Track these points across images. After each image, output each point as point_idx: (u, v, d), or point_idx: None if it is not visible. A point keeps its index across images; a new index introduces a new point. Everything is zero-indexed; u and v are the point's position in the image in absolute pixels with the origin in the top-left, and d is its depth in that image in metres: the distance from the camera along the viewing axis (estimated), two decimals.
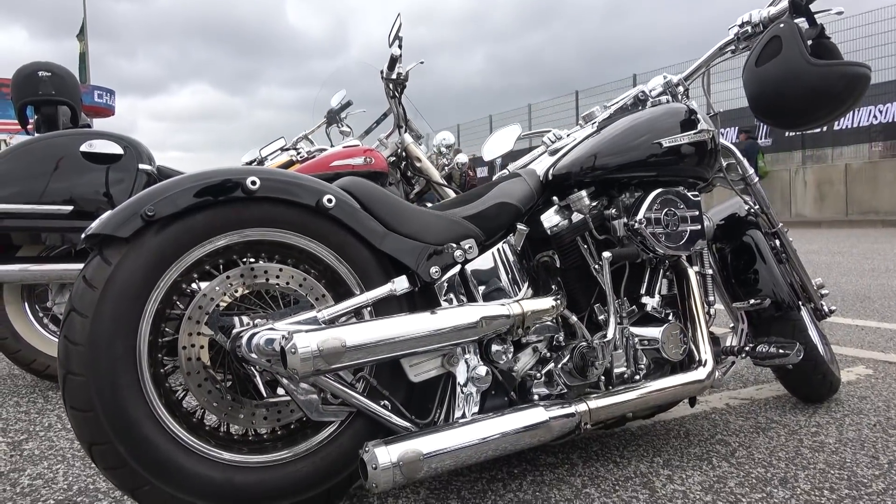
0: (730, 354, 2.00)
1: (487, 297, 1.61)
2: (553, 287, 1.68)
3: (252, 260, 1.41)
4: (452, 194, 3.41)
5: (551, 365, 1.65)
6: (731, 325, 2.24)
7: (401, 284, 1.48)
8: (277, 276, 1.43)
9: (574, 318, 1.75)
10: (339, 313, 1.41)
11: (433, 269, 1.52)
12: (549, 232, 1.79)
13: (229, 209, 1.30)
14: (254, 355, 1.30)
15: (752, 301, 2.11)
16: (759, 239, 2.19)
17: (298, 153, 4.04)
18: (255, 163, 4.28)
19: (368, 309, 1.47)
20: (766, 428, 2.06)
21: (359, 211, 1.44)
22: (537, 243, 1.81)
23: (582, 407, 1.58)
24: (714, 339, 1.92)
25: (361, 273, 1.45)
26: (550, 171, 1.81)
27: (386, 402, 1.50)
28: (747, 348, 1.99)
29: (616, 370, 1.73)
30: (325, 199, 1.38)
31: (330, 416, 1.43)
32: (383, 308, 1.47)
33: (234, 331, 1.33)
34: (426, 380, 1.49)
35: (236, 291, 1.40)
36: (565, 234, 1.77)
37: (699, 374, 1.79)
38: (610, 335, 1.66)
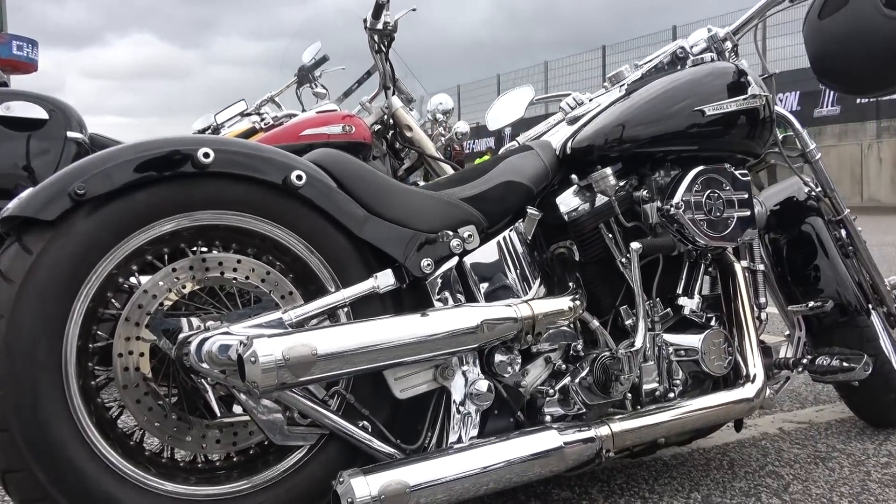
0: (784, 368, 2.01)
1: (490, 297, 1.62)
2: (570, 285, 1.69)
3: (204, 249, 1.42)
4: (450, 171, 3.42)
5: (567, 379, 1.67)
6: (787, 332, 2.26)
7: (385, 280, 1.50)
8: (235, 269, 1.43)
9: (595, 323, 1.76)
10: (309, 314, 1.43)
11: (424, 262, 1.53)
12: (566, 217, 1.76)
13: (177, 187, 1.30)
14: (205, 365, 1.31)
15: (811, 303, 2.13)
16: (821, 228, 2.20)
17: (262, 119, 4.04)
18: (210, 131, 4.28)
19: (345, 310, 1.49)
20: (826, 458, 2.08)
21: (335, 190, 1.45)
22: (552, 231, 1.82)
23: (604, 430, 1.59)
24: (765, 350, 1.92)
25: (337, 266, 1.47)
26: (569, 144, 1.78)
27: (366, 423, 1.50)
28: (805, 361, 2.01)
29: (646, 386, 1.74)
30: (293, 175, 1.39)
31: (297, 440, 1.44)
32: (363, 308, 1.48)
33: (182, 335, 1.33)
34: (415, 396, 1.51)
35: (184, 287, 1.40)
36: (586, 220, 1.78)
37: (747, 391, 1.80)
38: (639, 344, 1.67)
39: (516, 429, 1.59)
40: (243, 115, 4.24)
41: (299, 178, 1.40)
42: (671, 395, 1.77)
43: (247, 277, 1.43)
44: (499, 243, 1.67)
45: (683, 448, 2.14)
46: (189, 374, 1.35)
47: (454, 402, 1.55)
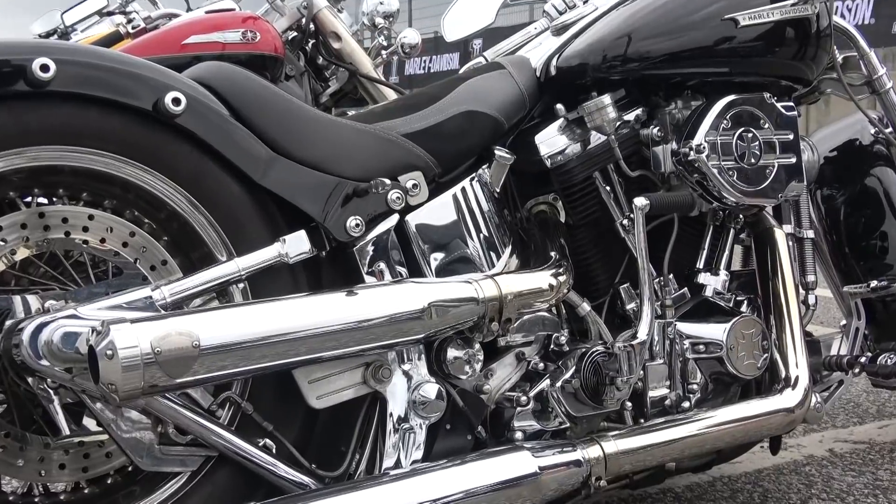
0: (837, 369, 2.05)
1: (443, 271, 1.64)
2: (552, 255, 1.71)
3: (43, 200, 1.39)
4: (392, 96, 3.40)
5: (545, 383, 1.70)
6: (842, 322, 2.30)
7: (296, 246, 1.51)
8: (85, 229, 1.42)
9: (586, 307, 1.76)
10: (190, 292, 1.43)
11: (351, 221, 1.55)
12: (548, 163, 1.77)
13: (3, 113, 1.29)
14: (44, 362, 1.30)
15: (875, 283, 2.16)
16: (892, 182, 2.24)
17: (130, 21, 3.95)
18: (56, 36, 4.18)
19: (241, 286, 1.50)
20: (889, 489, 2.12)
21: (227, 120, 1.45)
22: (529, 182, 1.82)
23: (593, 451, 1.62)
24: (812, 345, 1.97)
25: (229, 225, 1.48)
26: (554, 62, 1.78)
27: (269, 442, 1.50)
28: (864, 360, 2.04)
29: (652, 393, 1.76)
30: (168, 98, 1.38)
31: (173, 465, 1.45)
32: (266, 284, 1.50)
33: (10, 321, 1.32)
34: (337, 406, 1.54)
35: (13, 253, 1.38)
36: (576, 166, 1.77)
37: (786, 399, 1.82)
38: (643, 335, 1.70)
39: (476, 449, 1.62)
40: (102, 14, 4.13)
41: (176, 101, 1.39)
42: (685, 404, 1.79)
43: (102, 240, 1.42)
44: (455, 197, 1.69)
45: (702, 476, 2.16)
46: (21, 375, 1.34)
47: (391, 413, 1.57)
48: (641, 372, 1.74)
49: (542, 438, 1.68)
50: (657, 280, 1.82)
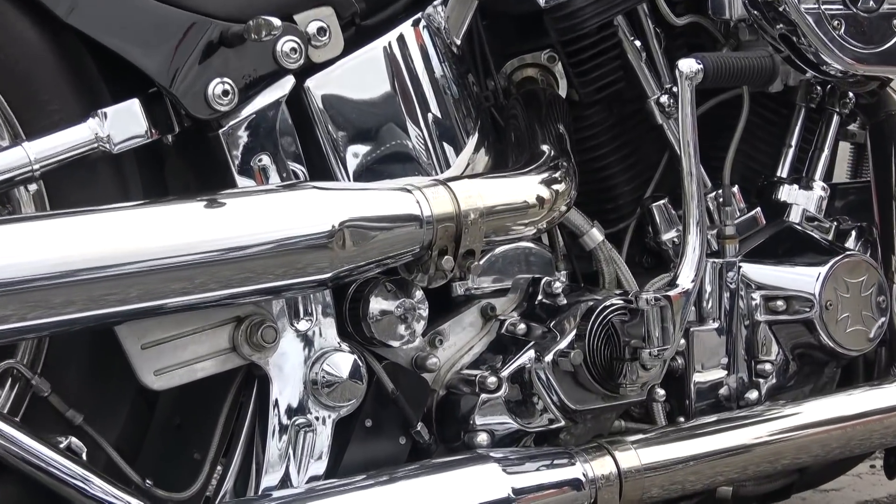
0: None
1: (366, 172, 1.69)
2: (544, 150, 1.74)
3: None
4: None
5: (527, 356, 1.73)
6: None
7: (124, 124, 1.53)
8: None
9: (597, 236, 1.80)
10: None
11: (216, 87, 1.56)
12: (540, 1, 1.79)
13: None
14: None
15: None
16: None
17: None
18: None
19: (33, 188, 1.52)
20: None
21: None
22: (510, 29, 1.84)
23: (602, 465, 1.65)
24: None
25: (16, 91, 1.50)
26: None
27: (76, 443, 1.50)
28: None
29: (699, 375, 1.80)
30: None
31: None
32: (73, 186, 1.54)
33: None
34: (188, 387, 1.58)
35: None
36: (586, 5, 1.78)
37: None
38: (687, 282, 1.72)
39: (415, 459, 1.67)
40: None
41: None
42: (752, 394, 1.82)
43: None
44: (387, 52, 1.71)
45: None
46: None
47: (277, 400, 1.60)
48: (683, 342, 1.75)
49: (521, 444, 1.71)
50: (712, 195, 1.83)
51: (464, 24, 1.74)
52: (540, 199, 1.67)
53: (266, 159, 1.62)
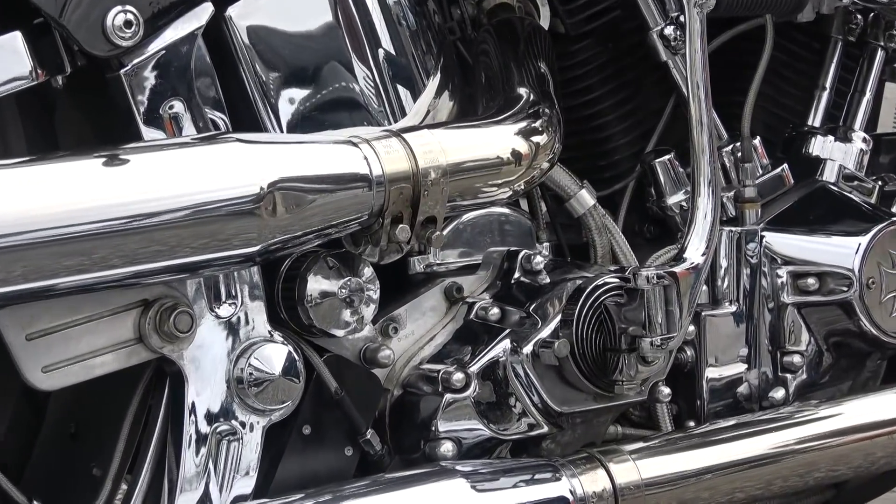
0: None
1: (303, 121, 1.69)
2: (522, 94, 1.73)
3: None
4: None
5: (501, 347, 1.73)
6: None
7: (6, 63, 1.51)
8: None
9: (587, 200, 1.78)
10: None
11: (116, 17, 1.53)
12: None
13: None
14: None
15: None
16: None
17: None
18: None
19: None
20: None
21: None
22: None
23: (593, 480, 1.64)
24: None
25: None
26: None
27: None
28: None
29: (713, 370, 1.79)
30: None
31: None
32: None
33: None
34: (84, 387, 1.55)
35: None
36: None
37: None
38: (696, 254, 1.71)
39: (366, 473, 1.66)
40: None
41: None
42: (777, 392, 1.81)
43: None
44: None
45: None
46: None
47: (193, 403, 1.58)
48: (692, 329, 1.74)
49: (494, 455, 1.70)
50: (728, 148, 1.82)
51: None
52: (516, 154, 1.65)
53: (178, 106, 1.59)
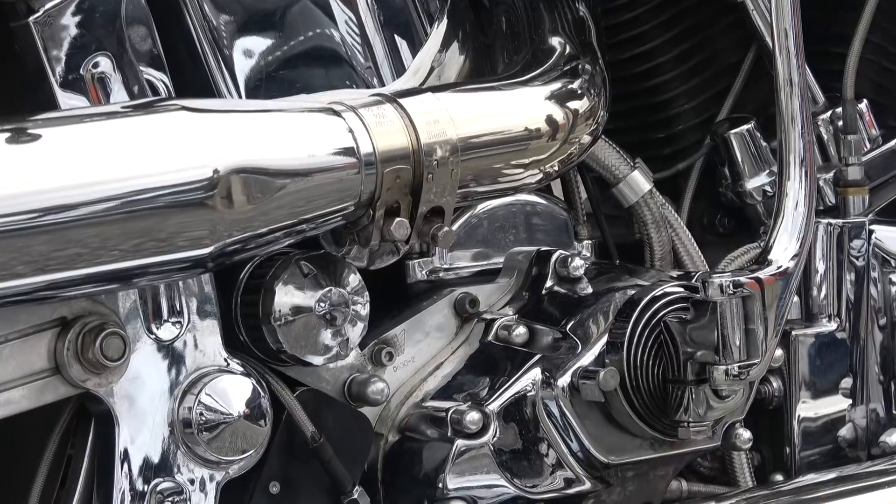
0: None
1: (265, 80, 1.69)
2: (556, 42, 1.74)
3: None
4: None
5: (530, 378, 1.73)
6: None
7: None
8: None
9: (642, 184, 1.78)
10: None
11: None
12: None
13: None
14: None
15: None
16: None
17: None
18: None
19: None
20: None
21: None
22: None
23: None
24: None
25: None
26: None
27: None
28: None
29: (806, 404, 1.78)
30: None
31: None
32: None
33: None
34: None
35: None
36: None
37: None
38: (785, 257, 1.71)
39: None
40: None
41: None
42: (892, 436, 1.81)
43: None
44: None
45: None
46: None
47: (126, 451, 1.58)
48: (780, 353, 1.74)
49: None
50: (826, 115, 1.83)
51: None
52: (549, 125, 1.64)
53: (105, 64, 1.59)
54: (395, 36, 1.71)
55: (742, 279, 1.65)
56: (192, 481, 1.58)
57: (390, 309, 1.70)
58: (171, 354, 1.59)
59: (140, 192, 1.46)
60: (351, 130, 1.56)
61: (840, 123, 1.83)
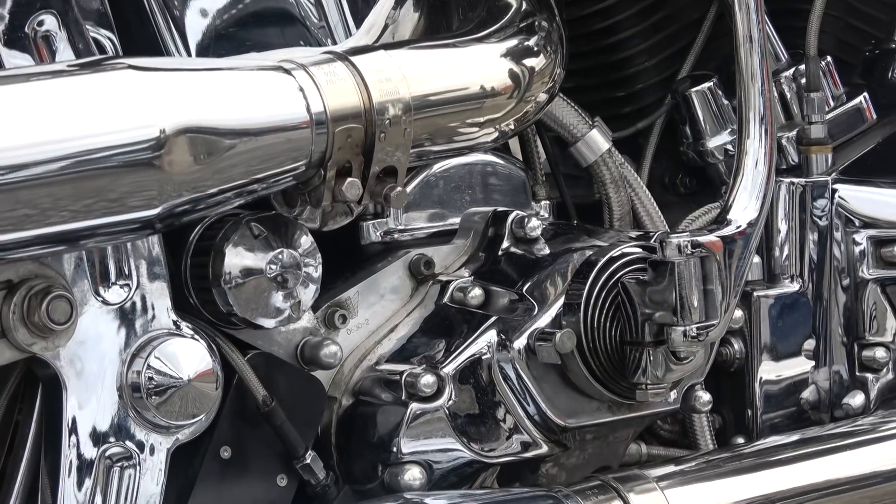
0: None
1: (215, 38, 1.70)
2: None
3: None
4: None
5: (486, 339, 1.73)
6: None
7: None
8: None
9: (601, 143, 1.77)
10: None
11: None
12: None
13: None
14: None
15: None
16: None
17: None
18: None
19: None
20: None
21: None
22: None
23: None
24: None
25: None
26: None
27: None
28: None
29: (768, 370, 1.78)
30: None
31: None
32: None
33: None
34: None
35: None
36: None
37: None
38: (745, 216, 1.71)
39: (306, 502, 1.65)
40: None
41: None
42: (855, 398, 1.82)
43: None
44: None
45: None
46: None
47: (74, 418, 1.57)
48: (740, 314, 1.75)
49: (474, 483, 1.70)
50: (788, 73, 1.84)
51: None
52: (504, 82, 1.64)
53: (50, 22, 1.58)
54: None
55: (700, 239, 1.65)
56: (141, 446, 1.57)
57: (344, 271, 1.70)
58: (120, 317, 1.57)
59: (86, 153, 1.45)
60: (301, 89, 1.56)
61: (803, 81, 1.83)
